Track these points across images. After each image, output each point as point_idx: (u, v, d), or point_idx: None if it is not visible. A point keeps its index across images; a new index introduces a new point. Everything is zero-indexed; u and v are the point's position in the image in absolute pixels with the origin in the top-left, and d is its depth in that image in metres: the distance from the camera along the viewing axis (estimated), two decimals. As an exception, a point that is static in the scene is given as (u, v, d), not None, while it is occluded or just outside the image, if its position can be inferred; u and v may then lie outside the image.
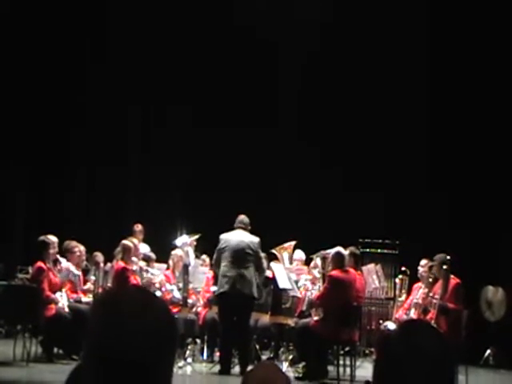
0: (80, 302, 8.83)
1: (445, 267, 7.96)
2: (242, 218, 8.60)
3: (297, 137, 12.25)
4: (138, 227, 10.49)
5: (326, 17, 11.93)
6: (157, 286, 9.02)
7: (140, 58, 12.65)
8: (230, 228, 8.54)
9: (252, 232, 8.55)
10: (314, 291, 8.63)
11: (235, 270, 8.22)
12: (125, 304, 1.40)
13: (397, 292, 9.45)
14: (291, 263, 9.37)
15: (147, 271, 9.10)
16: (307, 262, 9.44)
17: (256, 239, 8.44)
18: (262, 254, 8.56)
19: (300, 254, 9.62)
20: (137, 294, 1.46)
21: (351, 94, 12.07)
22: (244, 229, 8.50)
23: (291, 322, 8.85)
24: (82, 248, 9.34)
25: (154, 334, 1.38)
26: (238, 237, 8.41)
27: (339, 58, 12.14)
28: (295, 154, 12.20)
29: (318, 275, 8.67)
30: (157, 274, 9.16)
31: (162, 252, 9.84)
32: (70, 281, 8.77)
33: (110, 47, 12.78)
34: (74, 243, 9.03)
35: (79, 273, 8.94)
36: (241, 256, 8.28)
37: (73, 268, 8.80)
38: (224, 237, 8.44)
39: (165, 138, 12.63)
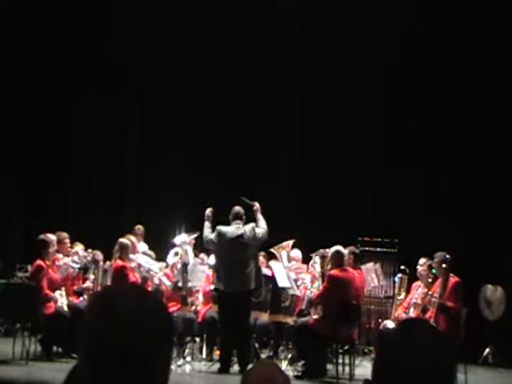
0: (81, 294, 8.87)
1: (444, 266, 7.96)
2: (238, 210, 8.57)
3: (296, 135, 12.21)
4: (140, 229, 10.52)
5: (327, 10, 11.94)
6: (156, 281, 9.07)
7: (140, 58, 12.64)
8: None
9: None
10: (314, 290, 8.63)
11: (239, 270, 8.21)
12: (120, 299, 1.41)
13: (396, 291, 9.44)
14: (290, 262, 9.37)
15: (147, 269, 9.14)
16: (306, 260, 9.44)
17: (251, 225, 8.44)
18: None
19: (297, 253, 9.62)
20: (132, 290, 1.47)
21: (352, 95, 12.03)
22: (240, 219, 8.50)
23: (290, 320, 8.86)
24: (82, 246, 9.35)
25: (150, 329, 1.39)
26: (237, 233, 8.37)
27: (339, 51, 12.10)
28: (295, 153, 12.19)
29: (318, 270, 8.66)
30: (156, 269, 9.21)
31: (161, 250, 9.85)
32: (69, 275, 8.78)
33: (108, 37, 12.75)
34: (64, 234, 9.05)
35: (77, 266, 8.91)
36: (243, 254, 8.28)
37: (71, 262, 8.81)
38: (223, 230, 8.41)
39: (163, 137, 12.60)
